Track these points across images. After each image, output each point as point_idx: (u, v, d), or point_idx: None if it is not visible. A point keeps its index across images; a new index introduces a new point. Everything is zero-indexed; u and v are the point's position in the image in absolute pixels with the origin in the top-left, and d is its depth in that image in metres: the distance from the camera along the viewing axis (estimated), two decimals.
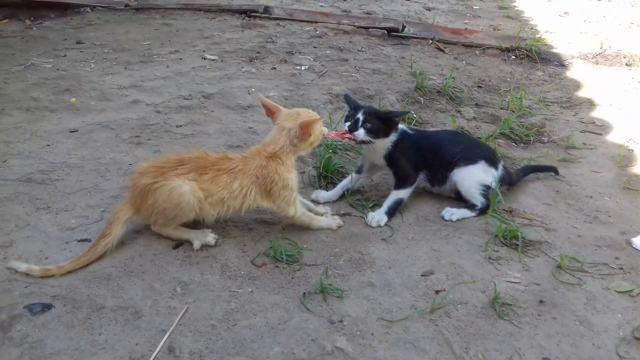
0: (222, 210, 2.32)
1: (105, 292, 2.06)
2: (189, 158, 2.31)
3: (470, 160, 2.71)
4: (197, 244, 2.32)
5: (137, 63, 4.58)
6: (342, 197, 2.80)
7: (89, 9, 6.07)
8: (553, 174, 3.12)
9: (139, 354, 1.81)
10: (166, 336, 1.88)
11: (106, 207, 2.58)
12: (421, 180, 2.78)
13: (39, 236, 2.36)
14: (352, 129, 2.60)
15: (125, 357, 1.79)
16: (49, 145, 3.13)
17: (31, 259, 2.20)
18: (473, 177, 2.69)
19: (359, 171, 2.86)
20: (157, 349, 1.83)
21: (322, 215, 2.60)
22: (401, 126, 2.74)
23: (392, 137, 2.69)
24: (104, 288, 2.08)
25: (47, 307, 1.97)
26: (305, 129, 2.35)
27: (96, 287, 2.08)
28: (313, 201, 2.71)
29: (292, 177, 2.38)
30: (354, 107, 2.69)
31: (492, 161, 2.75)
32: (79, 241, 2.33)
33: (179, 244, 2.34)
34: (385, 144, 2.68)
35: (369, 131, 2.60)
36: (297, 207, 2.44)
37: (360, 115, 2.61)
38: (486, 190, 2.69)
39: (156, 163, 2.31)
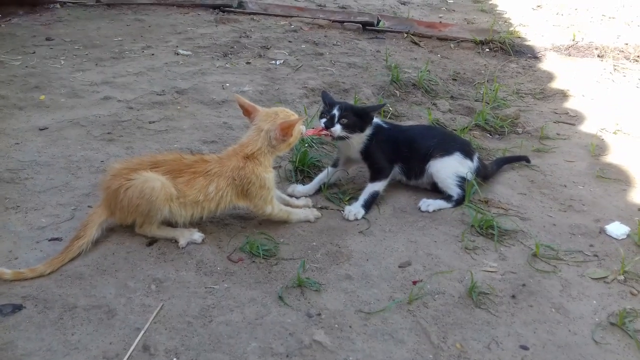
0: (197, 212, 2.29)
1: (77, 291, 2.01)
2: (163, 160, 2.28)
3: (446, 151, 2.72)
4: (182, 242, 2.28)
5: (108, 59, 4.50)
6: (318, 190, 2.78)
7: (58, 5, 5.95)
8: (525, 162, 3.15)
9: (113, 353, 1.77)
10: (141, 334, 1.84)
11: (77, 205, 2.52)
12: (397, 173, 2.78)
13: (8, 236, 2.29)
14: (329, 125, 2.59)
15: (99, 357, 1.76)
16: (17, 143, 3.05)
17: (0, 260, 2.14)
18: (449, 168, 2.70)
19: (334, 165, 2.84)
20: (132, 348, 1.79)
21: (300, 208, 2.59)
22: (376, 120, 2.74)
23: (368, 131, 2.68)
24: (76, 287, 2.03)
25: (17, 307, 1.92)
26: (285, 131, 2.33)
27: (68, 287, 2.03)
28: (290, 195, 2.69)
29: (269, 177, 2.36)
30: (329, 104, 2.68)
31: (468, 153, 2.76)
32: (49, 240, 2.28)
33: (153, 240, 2.30)
34: (361, 138, 2.68)
35: (345, 127, 2.59)
36: (274, 205, 2.42)
37: (335, 111, 2.60)
38: (462, 181, 2.70)
39: (129, 165, 2.26)
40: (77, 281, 2.06)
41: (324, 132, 2.61)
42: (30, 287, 2.01)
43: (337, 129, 2.59)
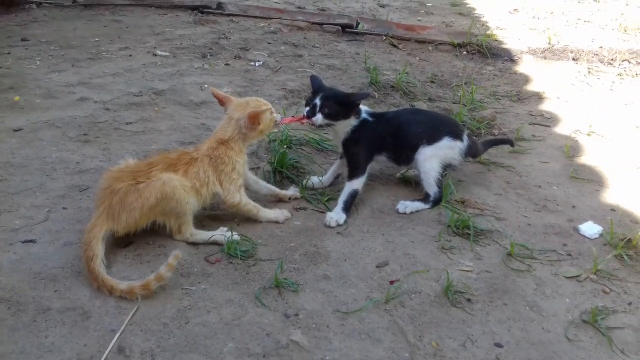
0: (199, 201, 2.33)
1: (51, 293, 1.99)
2: (157, 160, 2.32)
3: (434, 139, 2.70)
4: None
5: (85, 60, 4.45)
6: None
7: (34, 6, 5.89)
8: (510, 146, 3.27)
9: (88, 355, 1.75)
10: (116, 336, 1.83)
11: (52, 207, 2.49)
12: (385, 161, 2.82)
13: None
14: (310, 114, 2.61)
15: (73, 359, 1.74)
16: None
17: None
18: (435, 159, 2.69)
19: (342, 156, 2.84)
20: (107, 350, 1.77)
21: (289, 197, 2.70)
22: (364, 114, 2.72)
23: (353, 121, 2.68)
24: (50, 289, 2.00)
25: None
26: (253, 119, 2.41)
27: (42, 289, 2.00)
28: (307, 188, 2.80)
29: (240, 161, 2.43)
30: (314, 90, 2.68)
31: (457, 134, 2.75)
32: (22, 242, 2.24)
33: (129, 242, 2.28)
34: (346, 125, 2.68)
35: (327, 116, 2.60)
36: (242, 195, 2.46)
37: (317, 101, 2.60)
38: (443, 176, 2.72)
39: (126, 169, 2.26)
40: (51, 283, 2.03)
41: (306, 120, 2.63)
42: (3, 290, 1.98)
43: (319, 118, 2.60)
